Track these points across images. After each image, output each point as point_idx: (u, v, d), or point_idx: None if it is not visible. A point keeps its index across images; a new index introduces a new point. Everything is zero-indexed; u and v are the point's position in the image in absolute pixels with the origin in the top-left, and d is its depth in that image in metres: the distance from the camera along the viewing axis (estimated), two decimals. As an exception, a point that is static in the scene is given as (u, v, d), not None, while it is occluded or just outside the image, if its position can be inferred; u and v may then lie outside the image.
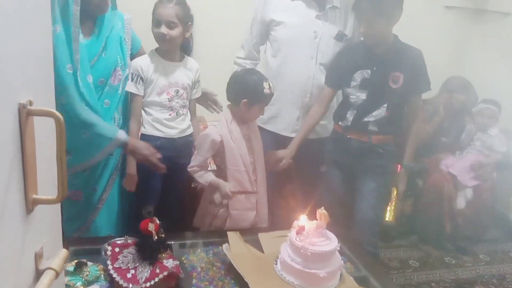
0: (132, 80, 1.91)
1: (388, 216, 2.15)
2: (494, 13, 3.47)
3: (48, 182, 0.65)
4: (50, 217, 0.69)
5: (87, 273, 1.39)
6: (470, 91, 2.98)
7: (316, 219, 1.55)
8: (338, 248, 1.51)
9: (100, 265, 1.43)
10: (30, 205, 0.59)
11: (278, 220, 2.07)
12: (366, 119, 2.06)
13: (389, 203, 2.16)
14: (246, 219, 1.94)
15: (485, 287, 2.57)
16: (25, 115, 0.56)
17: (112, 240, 1.54)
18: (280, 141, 2.22)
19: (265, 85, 1.86)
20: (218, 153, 1.89)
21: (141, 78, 1.91)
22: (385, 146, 2.10)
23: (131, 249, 1.44)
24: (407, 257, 2.86)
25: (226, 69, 2.29)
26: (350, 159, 2.15)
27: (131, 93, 1.94)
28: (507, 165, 2.96)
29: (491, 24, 3.49)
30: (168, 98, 1.96)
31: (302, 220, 1.55)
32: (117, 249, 1.44)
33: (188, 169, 1.89)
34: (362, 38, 2.07)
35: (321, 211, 1.56)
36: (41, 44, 0.63)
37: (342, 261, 1.54)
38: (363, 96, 2.05)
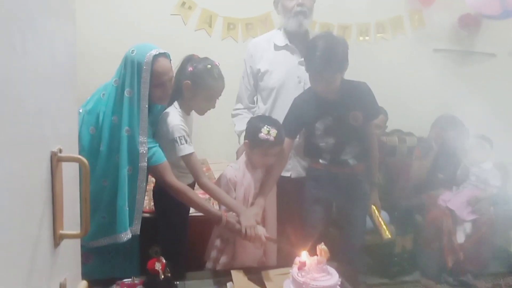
0: (186, 142, 1.85)
1: (386, 233, 2.23)
2: (480, 54, 3.66)
3: (70, 219, 0.73)
4: (72, 251, 0.77)
5: (97, 313, 1.44)
6: (460, 127, 3.09)
7: (317, 255, 1.61)
8: (339, 283, 1.55)
9: (109, 305, 1.48)
10: (57, 239, 0.68)
11: (281, 257, 2.11)
12: (343, 157, 2.17)
13: (378, 222, 2.24)
14: (253, 258, 2.01)
15: (491, 322, 2.55)
16: (55, 161, 0.65)
17: (120, 281, 1.59)
18: None
19: (263, 129, 1.93)
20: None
21: (188, 135, 1.89)
22: (363, 173, 2.23)
23: (139, 288, 1.50)
24: (411, 294, 2.86)
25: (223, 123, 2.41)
26: (336, 193, 2.22)
27: (185, 155, 1.86)
28: (503, 199, 3.00)
29: (478, 65, 3.67)
30: None
31: (303, 256, 1.60)
32: (125, 289, 1.50)
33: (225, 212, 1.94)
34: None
35: (321, 247, 1.62)
36: (68, 100, 0.75)
37: (344, 296, 1.58)
38: (331, 141, 2.15)
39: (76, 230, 0.71)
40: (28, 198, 0.60)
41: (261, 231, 1.89)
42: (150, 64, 1.70)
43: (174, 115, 1.89)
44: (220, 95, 1.97)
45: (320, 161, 2.21)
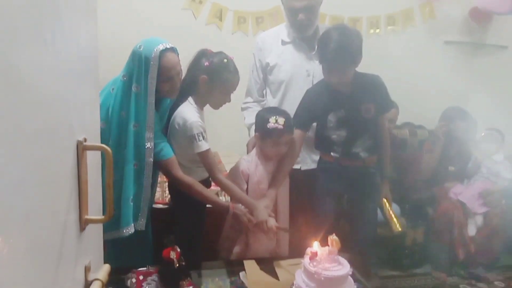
0: (203, 138, 1.88)
1: (397, 226, 2.24)
2: (492, 46, 3.63)
3: (94, 205, 0.77)
4: (95, 236, 0.81)
5: (114, 300, 1.48)
6: (468, 118, 3.09)
7: (328, 246, 1.63)
8: (351, 273, 1.57)
9: (126, 293, 1.53)
10: (83, 224, 0.71)
11: (294, 248, 2.14)
12: (354, 150, 2.18)
13: (389, 215, 2.26)
14: (265, 249, 2.04)
15: (501, 314, 2.56)
16: (81, 149, 0.69)
17: (135, 269, 1.64)
18: None
19: (271, 119, 1.96)
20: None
21: (205, 131, 1.91)
22: (374, 165, 2.25)
23: (154, 276, 1.54)
24: (422, 285, 2.87)
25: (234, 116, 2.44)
26: (347, 185, 2.24)
27: (202, 152, 1.89)
28: (515, 192, 3.00)
29: (489, 57, 3.64)
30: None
31: (315, 246, 1.63)
32: (141, 277, 1.54)
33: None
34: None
35: (333, 237, 1.64)
36: (91, 91, 0.78)
37: (355, 286, 1.60)
38: (343, 133, 2.15)
39: (99, 216, 0.75)
40: (57, 185, 0.63)
41: (272, 222, 1.92)
42: (157, 59, 1.70)
43: (191, 111, 1.92)
44: (235, 89, 2.00)
45: (332, 153, 2.23)
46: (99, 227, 0.83)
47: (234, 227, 2.04)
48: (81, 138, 0.70)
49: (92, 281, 0.73)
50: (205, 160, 1.92)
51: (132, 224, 1.78)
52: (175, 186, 1.99)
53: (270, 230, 1.92)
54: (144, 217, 1.82)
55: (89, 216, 0.73)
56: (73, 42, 0.70)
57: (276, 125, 1.96)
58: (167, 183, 2.23)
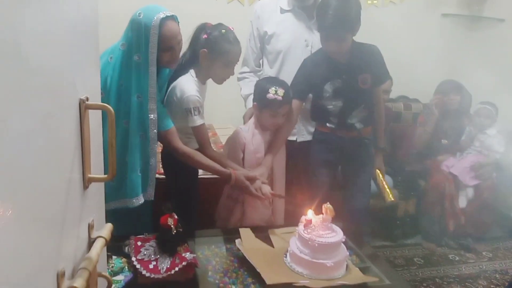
0: (198, 113, 1.86)
1: (390, 196, 2.28)
2: (489, 19, 3.62)
3: (96, 165, 0.78)
4: (98, 195, 0.82)
5: (113, 265, 1.51)
6: (463, 92, 3.11)
7: (322, 214, 1.66)
8: (343, 240, 1.61)
9: (124, 258, 1.55)
10: (86, 182, 0.72)
11: (289, 218, 2.18)
12: (350, 121, 2.19)
13: (382, 186, 2.31)
14: (261, 217, 2.07)
15: (488, 281, 2.64)
16: (84, 108, 0.69)
17: (134, 236, 1.66)
18: None
19: (271, 90, 1.95)
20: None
21: (202, 106, 1.90)
22: (369, 136, 2.28)
23: (152, 242, 1.56)
24: (412, 255, 2.95)
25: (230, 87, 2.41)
26: (342, 156, 2.27)
27: (196, 126, 1.89)
28: (506, 165, 3.05)
29: (486, 30, 3.63)
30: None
31: (309, 214, 1.66)
32: (139, 243, 1.57)
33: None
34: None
35: (327, 206, 1.67)
36: (91, 50, 0.78)
37: (348, 253, 1.65)
38: (339, 103, 2.16)
39: (101, 175, 0.76)
40: (62, 142, 0.64)
41: (266, 189, 1.94)
42: (157, 27, 1.65)
43: (190, 84, 1.88)
44: (238, 60, 1.96)
45: (327, 124, 2.24)
46: (101, 187, 0.84)
47: (231, 197, 2.07)
48: (83, 97, 0.70)
49: (95, 239, 0.74)
50: (198, 134, 1.91)
51: (141, 195, 1.80)
52: (168, 157, 1.99)
53: (265, 196, 1.94)
54: (152, 187, 1.83)
55: (92, 175, 0.73)
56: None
57: (275, 96, 1.95)
58: (161, 154, 2.24)
